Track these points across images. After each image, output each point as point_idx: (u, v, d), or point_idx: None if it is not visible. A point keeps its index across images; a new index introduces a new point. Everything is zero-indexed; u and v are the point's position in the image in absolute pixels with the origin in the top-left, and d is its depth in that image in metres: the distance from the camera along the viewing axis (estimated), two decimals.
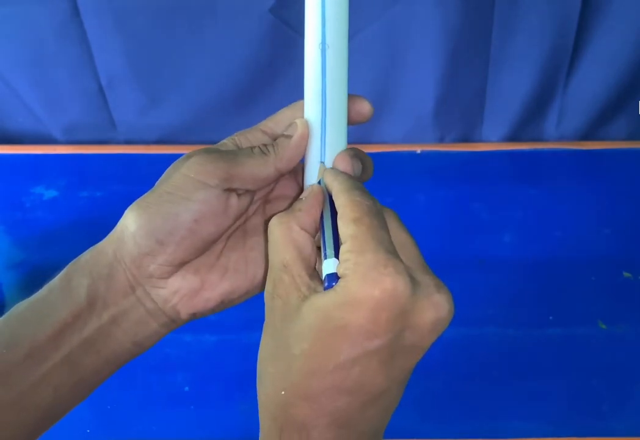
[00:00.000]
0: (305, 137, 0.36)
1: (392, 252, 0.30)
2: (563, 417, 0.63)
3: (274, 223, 0.33)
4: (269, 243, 0.34)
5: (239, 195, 0.36)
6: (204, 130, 0.89)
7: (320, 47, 0.35)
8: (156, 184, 0.36)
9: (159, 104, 0.87)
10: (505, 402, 0.64)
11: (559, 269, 0.74)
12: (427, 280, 0.31)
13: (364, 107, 0.37)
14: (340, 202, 0.33)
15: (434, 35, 0.78)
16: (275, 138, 0.37)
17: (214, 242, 0.36)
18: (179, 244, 0.34)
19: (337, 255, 0.32)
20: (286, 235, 0.33)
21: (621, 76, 0.81)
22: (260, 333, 0.35)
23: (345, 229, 0.31)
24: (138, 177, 0.86)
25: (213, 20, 0.78)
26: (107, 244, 0.36)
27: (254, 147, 0.36)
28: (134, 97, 0.86)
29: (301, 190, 0.38)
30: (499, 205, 0.81)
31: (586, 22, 0.78)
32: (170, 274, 0.35)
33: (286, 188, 0.39)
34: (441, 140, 0.90)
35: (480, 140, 0.90)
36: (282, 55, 0.81)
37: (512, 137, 0.89)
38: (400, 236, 0.33)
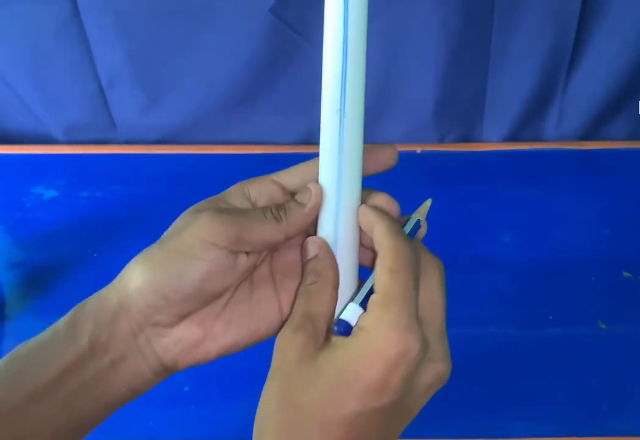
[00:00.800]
0: (318, 207, 0.36)
1: (415, 315, 0.31)
2: (563, 417, 0.63)
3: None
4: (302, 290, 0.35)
5: (247, 254, 0.36)
6: (204, 130, 0.89)
7: (339, 114, 0.35)
8: (162, 237, 0.36)
9: (159, 104, 0.87)
10: (504, 402, 0.64)
11: (559, 269, 0.74)
12: (438, 348, 0.32)
13: (392, 158, 0.38)
14: (383, 245, 0.33)
15: (434, 35, 0.78)
16: (286, 192, 0.37)
17: (220, 296, 0.36)
18: (185, 299, 0.35)
19: (363, 301, 0.33)
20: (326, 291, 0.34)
21: (621, 76, 0.81)
22: None
23: (380, 277, 0.32)
24: (138, 177, 0.86)
25: (213, 20, 0.78)
26: (111, 292, 0.36)
27: (266, 210, 0.36)
28: (134, 97, 0.86)
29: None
30: (499, 205, 0.81)
31: (586, 22, 0.78)
32: (176, 324, 0.36)
33: (294, 239, 0.38)
34: (441, 140, 0.90)
35: (480, 140, 0.90)
36: (282, 55, 0.81)
37: (512, 137, 0.89)
38: (434, 295, 0.33)
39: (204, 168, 0.87)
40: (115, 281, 0.36)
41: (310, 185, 0.36)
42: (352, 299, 0.34)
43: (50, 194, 0.84)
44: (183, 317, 0.35)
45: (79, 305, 0.36)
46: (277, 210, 0.36)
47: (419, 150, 0.88)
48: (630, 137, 0.90)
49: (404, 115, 0.87)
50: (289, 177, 0.38)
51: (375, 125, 0.88)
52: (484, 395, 0.64)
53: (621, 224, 0.79)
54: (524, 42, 0.79)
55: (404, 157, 0.94)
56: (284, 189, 0.38)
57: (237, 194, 0.37)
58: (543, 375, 0.66)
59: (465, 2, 0.75)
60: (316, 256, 0.36)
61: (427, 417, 0.63)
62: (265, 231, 0.35)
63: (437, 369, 0.32)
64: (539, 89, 0.84)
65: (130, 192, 0.84)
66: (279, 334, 0.34)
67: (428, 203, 0.37)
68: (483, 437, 0.62)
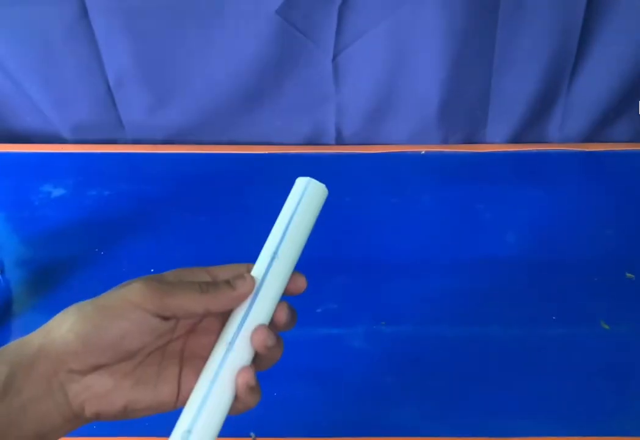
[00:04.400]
0: (246, 296, 0.40)
1: None
2: (565, 417, 0.63)
3: None
4: None
5: (166, 319, 0.39)
6: (211, 130, 0.90)
7: (271, 256, 0.40)
8: (97, 297, 0.39)
9: (167, 103, 0.87)
10: (506, 401, 0.64)
11: (562, 270, 0.74)
12: None
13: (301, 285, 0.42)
14: None
15: (438, 37, 0.78)
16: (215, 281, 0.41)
17: (134, 353, 0.39)
18: (103, 351, 0.37)
19: None
20: None
21: (625, 78, 0.81)
22: None
23: None
24: (145, 177, 0.87)
25: (220, 20, 0.79)
26: (34, 337, 0.38)
27: (194, 283, 0.39)
28: (141, 97, 0.86)
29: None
30: (503, 206, 0.82)
31: (590, 25, 0.78)
32: (89, 372, 0.38)
33: (212, 324, 0.42)
34: (445, 141, 0.91)
35: (484, 142, 0.91)
36: (288, 55, 0.81)
37: (516, 139, 0.90)
38: None
39: (210, 168, 0.87)
40: (42, 327, 0.38)
41: (247, 275, 0.40)
42: None
43: (58, 192, 0.84)
44: (97, 367, 0.38)
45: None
46: (205, 284, 0.39)
47: (423, 151, 0.89)
48: (634, 139, 0.90)
49: (408, 116, 0.87)
50: (222, 271, 0.42)
51: (380, 126, 0.88)
52: (485, 395, 0.65)
53: (624, 225, 0.79)
54: (528, 45, 0.79)
55: (408, 158, 0.95)
56: (214, 277, 0.41)
57: (171, 275, 0.41)
58: (545, 375, 0.66)
59: (470, 4, 0.75)
60: None
61: (429, 415, 0.63)
62: (186, 299, 0.38)
63: None
64: (542, 91, 0.84)
65: (138, 191, 0.85)
66: None
67: None
68: (484, 436, 0.62)
